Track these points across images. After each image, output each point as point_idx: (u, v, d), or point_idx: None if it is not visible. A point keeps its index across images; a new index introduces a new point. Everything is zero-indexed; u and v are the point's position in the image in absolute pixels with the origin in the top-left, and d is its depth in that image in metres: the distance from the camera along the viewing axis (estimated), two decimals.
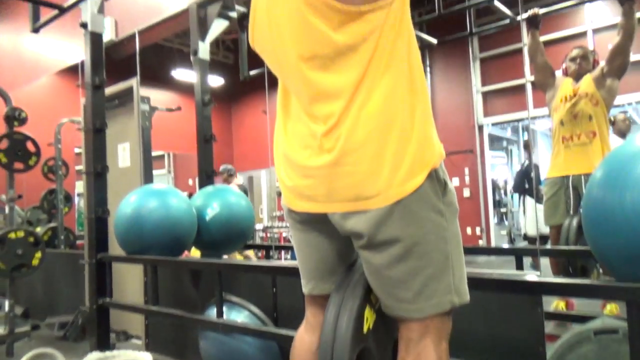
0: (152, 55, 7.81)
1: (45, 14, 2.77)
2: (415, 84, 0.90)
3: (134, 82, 3.49)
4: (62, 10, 2.46)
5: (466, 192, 7.30)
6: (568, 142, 2.70)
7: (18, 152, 3.63)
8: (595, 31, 5.89)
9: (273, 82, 1.14)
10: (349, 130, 0.87)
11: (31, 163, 3.73)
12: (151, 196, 2.61)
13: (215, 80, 8.82)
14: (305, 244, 1.06)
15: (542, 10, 2.75)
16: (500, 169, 10.32)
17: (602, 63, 2.73)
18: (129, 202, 2.57)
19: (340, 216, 0.92)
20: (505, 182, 9.91)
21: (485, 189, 7.29)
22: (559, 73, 2.94)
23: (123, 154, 3.73)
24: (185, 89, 8.76)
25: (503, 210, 9.51)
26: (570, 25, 6.11)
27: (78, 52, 4.15)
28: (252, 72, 3.77)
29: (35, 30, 2.60)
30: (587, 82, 2.70)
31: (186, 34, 7.46)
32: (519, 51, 6.01)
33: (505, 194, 9.67)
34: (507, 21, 2.95)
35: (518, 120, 7.23)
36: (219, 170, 5.38)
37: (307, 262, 1.08)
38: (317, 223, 0.99)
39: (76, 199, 6.11)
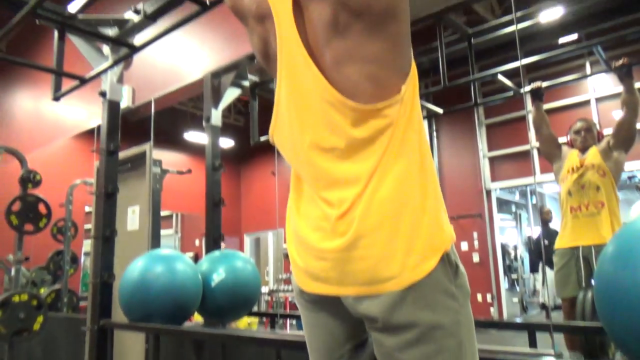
0: (165, 118, 8.05)
1: (67, 83, 2.89)
2: (425, 170, 0.92)
3: (147, 147, 3.58)
4: (84, 82, 2.57)
5: (475, 257, 7.18)
6: (576, 212, 2.70)
7: (30, 214, 3.69)
8: (599, 100, 6.03)
9: None
10: (362, 215, 0.87)
11: (41, 225, 3.77)
12: (158, 262, 2.60)
13: (226, 142, 9.03)
14: (314, 324, 1.04)
15: (545, 84, 2.83)
16: (509, 232, 10.21)
17: (609, 129, 2.77)
18: (135, 267, 2.56)
19: (353, 299, 0.91)
20: (515, 248, 9.77)
21: (495, 254, 7.18)
22: (562, 139, 2.99)
23: (132, 217, 3.75)
24: (195, 151, 8.94)
25: (514, 276, 9.31)
26: (573, 94, 6.26)
27: (95, 117, 4.30)
28: (263, 138, 3.87)
29: (56, 98, 2.71)
30: (593, 154, 2.74)
31: (199, 98, 7.72)
32: (524, 118, 6.12)
33: (516, 259, 9.50)
34: (511, 93, 3.03)
35: (525, 185, 7.24)
36: None
37: (314, 342, 1.06)
38: (327, 304, 0.99)
39: (82, 258, 6.09)
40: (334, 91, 0.88)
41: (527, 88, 2.88)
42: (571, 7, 3.15)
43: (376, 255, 0.87)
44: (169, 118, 8.69)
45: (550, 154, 2.90)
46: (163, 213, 6.33)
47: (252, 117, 3.90)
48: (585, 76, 3.22)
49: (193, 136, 9.09)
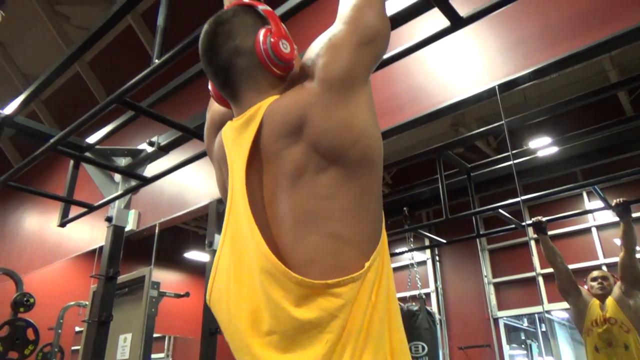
0: (166, 236, 8.06)
1: (74, 208, 2.94)
2: None
3: (147, 271, 3.53)
4: (92, 209, 2.62)
5: None
6: None
7: (16, 340, 3.52)
8: (599, 228, 6.06)
9: None
10: None
11: (27, 352, 3.58)
12: None
13: None
14: None
15: (545, 218, 2.88)
16: None
17: (613, 258, 2.74)
18: None
19: None
20: None
21: None
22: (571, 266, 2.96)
23: (123, 346, 3.56)
24: (194, 270, 8.79)
25: None
26: (574, 223, 6.32)
27: (96, 238, 4.31)
28: None
29: (62, 225, 2.75)
30: (612, 307, 2.71)
31: (203, 217, 7.79)
32: (527, 245, 6.11)
33: None
34: (513, 226, 3.07)
35: (535, 314, 6.97)
36: None
37: None
38: None
39: None
40: (276, 260, 0.73)
41: (529, 221, 2.92)
42: (566, 146, 3.30)
43: None
44: (170, 237, 8.67)
45: (566, 291, 2.86)
46: (155, 335, 6.03)
47: None
48: (586, 212, 3.28)
49: (193, 255, 9.00)
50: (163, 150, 2.89)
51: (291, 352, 0.72)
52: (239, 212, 0.81)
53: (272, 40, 0.86)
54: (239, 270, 0.80)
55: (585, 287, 2.91)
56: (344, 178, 0.76)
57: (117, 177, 3.23)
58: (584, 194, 5.94)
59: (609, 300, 2.73)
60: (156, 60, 1.52)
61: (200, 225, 9.44)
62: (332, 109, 0.78)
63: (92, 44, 1.97)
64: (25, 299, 3.62)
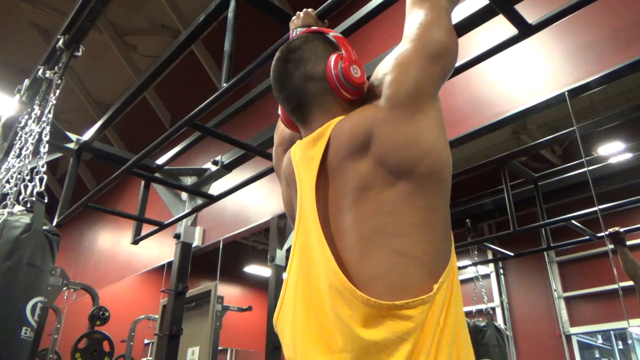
0: (226, 251, 8.28)
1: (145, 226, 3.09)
2: None
3: (212, 286, 3.64)
4: (163, 227, 2.74)
5: None
6: None
7: (94, 352, 3.71)
8: None
9: None
10: None
11: None
12: None
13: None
14: None
15: (623, 229, 2.71)
16: None
17: None
18: None
19: None
20: None
21: None
22: None
23: (192, 359, 3.68)
24: (254, 284, 8.95)
25: None
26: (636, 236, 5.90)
27: (164, 254, 4.50)
28: None
29: (136, 242, 2.89)
30: None
31: (261, 232, 7.94)
32: (602, 255, 5.76)
33: None
34: (587, 237, 2.91)
35: (610, 330, 6.52)
36: None
37: None
38: None
39: None
40: (343, 277, 0.72)
41: (606, 233, 2.76)
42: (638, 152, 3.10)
43: None
44: (230, 251, 8.90)
45: None
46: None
47: None
48: None
49: (253, 269, 9.19)
50: (226, 169, 3.00)
51: None
52: (308, 227, 0.82)
53: (343, 65, 0.87)
54: (307, 286, 0.80)
55: None
56: (411, 194, 0.75)
57: (184, 195, 3.37)
58: None
59: None
60: (224, 84, 1.59)
61: (259, 240, 9.63)
62: (400, 125, 0.78)
63: (160, 73, 2.09)
64: (101, 312, 3.83)
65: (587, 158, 2.99)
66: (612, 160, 3.04)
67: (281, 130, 1.12)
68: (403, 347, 0.67)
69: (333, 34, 0.95)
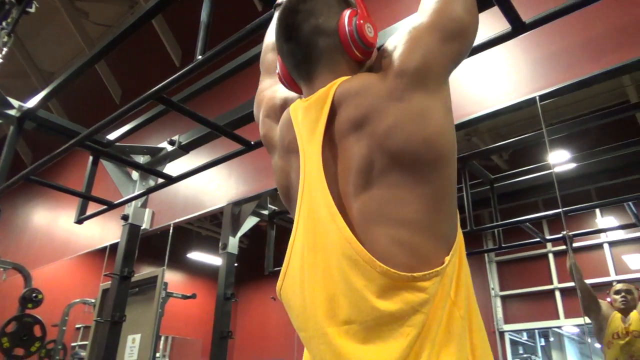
0: (170, 237, 8.02)
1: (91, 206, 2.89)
2: None
3: (159, 271, 3.48)
4: (111, 207, 2.57)
5: None
6: None
7: (23, 336, 3.46)
8: (612, 244, 6.02)
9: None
10: None
11: (33, 349, 3.52)
12: None
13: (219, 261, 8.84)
14: None
15: (573, 232, 2.84)
16: None
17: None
18: None
19: None
20: None
21: None
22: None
23: (132, 347, 3.51)
24: (198, 271, 8.74)
25: None
26: (587, 238, 6.29)
27: (107, 236, 4.26)
28: (277, 268, 3.77)
29: (80, 221, 2.69)
30: (636, 320, 2.67)
31: (207, 218, 7.73)
32: (538, 257, 6.07)
33: None
34: (537, 239, 3.02)
35: (542, 328, 6.90)
36: None
37: None
38: None
39: None
40: (361, 248, 0.70)
41: (557, 236, 2.88)
42: (585, 162, 3.27)
43: None
44: (174, 236, 8.63)
45: (589, 308, 2.82)
46: None
47: (268, 246, 3.85)
48: (632, 225, 3.24)
49: (197, 256, 8.96)
50: (183, 150, 2.85)
51: (370, 343, 0.69)
52: (315, 195, 0.78)
53: (357, 22, 0.82)
54: (313, 255, 0.77)
55: (608, 299, 2.87)
56: (415, 181, 0.73)
57: (135, 175, 3.19)
58: (597, 211, 5.90)
59: (634, 314, 2.70)
60: (199, 57, 1.48)
61: (204, 226, 9.41)
62: (404, 102, 0.73)
63: (118, 43, 1.95)
64: (34, 294, 3.57)
65: (538, 164, 3.11)
66: (558, 169, 3.18)
67: (267, 99, 1.02)
68: (416, 317, 0.68)
69: None
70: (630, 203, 2.59)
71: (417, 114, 0.73)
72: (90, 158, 2.80)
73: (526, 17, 1.30)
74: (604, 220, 5.86)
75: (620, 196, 4.27)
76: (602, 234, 6.10)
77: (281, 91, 0.99)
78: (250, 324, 10.22)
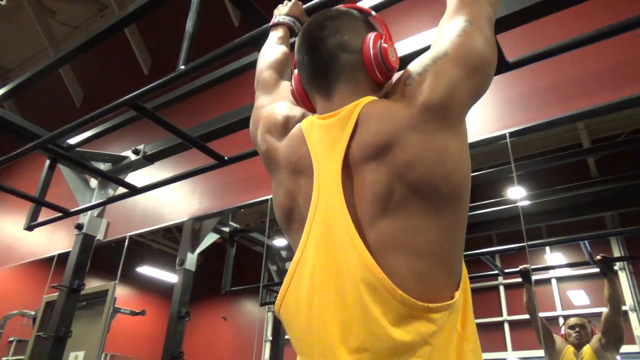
0: (120, 248, 7.70)
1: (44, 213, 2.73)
2: None
3: (110, 285, 3.31)
4: (67, 215, 2.44)
5: None
6: None
7: None
8: (559, 280, 6.26)
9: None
10: None
11: None
12: None
13: (174, 277, 8.57)
14: None
15: (527, 266, 2.92)
16: None
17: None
18: None
19: None
20: None
21: None
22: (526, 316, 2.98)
23: None
24: (146, 286, 8.41)
25: None
26: (535, 272, 6.50)
27: (54, 246, 4.03)
28: (234, 288, 3.68)
29: (30, 228, 2.54)
30: (588, 355, 2.74)
31: (160, 231, 7.48)
32: (488, 289, 6.21)
33: None
34: (496, 272, 3.09)
35: None
36: None
37: None
38: None
39: None
40: (382, 275, 0.69)
41: (515, 269, 2.95)
42: (541, 200, 3.40)
43: None
44: (122, 249, 8.29)
45: (544, 342, 2.87)
46: None
47: (227, 265, 3.76)
48: (582, 263, 3.37)
49: (147, 270, 8.62)
50: (148, 160, 2.76)
51: None
52: (331, 215, 0.76)
53: (382, 45, 0.84)
54: (325, 276, 0.75)
55: (562, 332, 2.94)
56: (431, 212, 0.73)
57: (93, 183, 3.05)
58: (547, 248, 6.14)
59: (587, 349, 2.76)
60: (182, 67, 1.44)
61: (156, 239, 9.09)
62: (427, 135, 0.74)
63: (87, 49, 1.89)
64: None
65: (497, 199, 3.21)
66: (519, 204, 3.29)
67: (267, 115, 0.98)
68: (425, 349, 0.68)
69: (374, 14, 0.92)
70: (586, 242, 2.69)
71: (438, 150, 0.73)
72: (47, 162, 2.66)
73: (508, 57, 1.34)
74: (552, 256, 6.10)
75: (568, 235, 4.47)
76: (551, 270, 6.34)
77: (281, 108, 0.97)
78: (200, 344, 9.87)
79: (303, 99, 0.93)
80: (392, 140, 0.74)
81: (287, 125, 0.92)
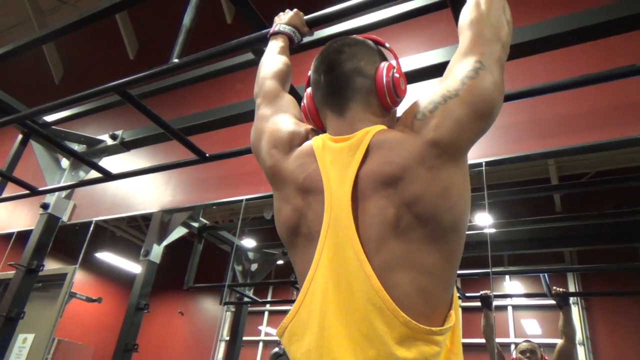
0: (80, 231, 7.49)
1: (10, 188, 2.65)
2: None
3: (70, 269, 3.23)
4: (35, 193, 2.38)
5: None
6: None
7: None
8: (515, 307, 6.44)
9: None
10: None
11: None
12: None
13: (134, 267, 8.39)
14: None
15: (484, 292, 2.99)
16: None
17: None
18: None
19: None
20: None
21: None
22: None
23: (21, 347, 3.19)
24: (104, 273, 8.20)
25: None
26: (494, 300, 6.64)
27: (13, 222, 3.91)
28: (198, 285, 3.64)
29: None
30: None
31: (124, 218, 7.31)
32: None
33: None
34: (458, 296, 3.15)
35: None
36: None
37: None
38: None
39: None
40: (387, 297, 0.75)
41: (476, 294, 3.01)
42: (508, 229, 3.49)
43: None
44: (82, 232, 8.07)
45: None
46: None
47: (192, 260, 3.72)
48: (541, 294, 3.45)
49: (106, 257, 8.41)
50: (125, 147, 2.72)
51: None
52: (342, 237, 0.81)
53: (396, 75, 0.92)
54: (337, 294, 0.80)
55: (513, 357, 3.00)
56: (433, 240, 0.79)
57: (65, 163, 2.99)
58: (507, 276, 6.30)
59: None
60: (175, 60, 1.44)
61: (120, 226, 8.88)
62: (435, 171, 0.79)
63: (75, 29, 1.86)
64: None
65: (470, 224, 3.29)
66: (485, 231, 3.37)
67: (272, 130, 1.00)
68: None
69: (388, 45, 1.01)
70: (546, 275, 2.78)
71: (444, 184, 0.79)
72: (20, 136, 2.59)
73: None
74: (511, 284, 6.27)
75: (527, 264, 4.59)
76: (508, 300, 6.49)
77: (286, 123, 1.00)
78: (155, 337, 9.66)
79: (314, 116, 0.98)
80: (402, 172, 0.79)
81: (292, 141, 0.95)
